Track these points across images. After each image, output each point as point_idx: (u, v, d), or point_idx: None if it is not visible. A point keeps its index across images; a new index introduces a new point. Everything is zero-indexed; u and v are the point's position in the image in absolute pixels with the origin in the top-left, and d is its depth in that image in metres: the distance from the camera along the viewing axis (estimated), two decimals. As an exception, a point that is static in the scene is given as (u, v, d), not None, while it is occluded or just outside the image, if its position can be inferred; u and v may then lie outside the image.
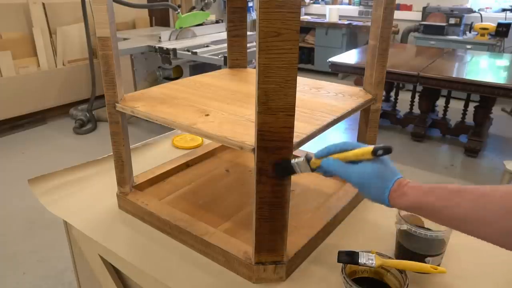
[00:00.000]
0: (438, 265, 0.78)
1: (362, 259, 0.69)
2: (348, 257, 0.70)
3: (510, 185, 0.53)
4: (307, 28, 5.71)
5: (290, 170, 0.68)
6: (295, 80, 0.63)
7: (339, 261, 0.69)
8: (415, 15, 5.09)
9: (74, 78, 3.97)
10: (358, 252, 0.71)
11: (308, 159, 0.66)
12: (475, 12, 4.71)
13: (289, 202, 0.71)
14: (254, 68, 0.65)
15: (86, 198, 1.05)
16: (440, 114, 3.60)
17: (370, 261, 0.69)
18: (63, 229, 1.05)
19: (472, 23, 4.64)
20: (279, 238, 0.73)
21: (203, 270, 0.80)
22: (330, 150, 0.66)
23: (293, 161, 0.67)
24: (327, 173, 0.68)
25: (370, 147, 0.61)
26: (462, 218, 0.54)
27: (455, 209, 0.55)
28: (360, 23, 5.39)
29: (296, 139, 0.69)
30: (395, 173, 0.63)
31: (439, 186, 0.58)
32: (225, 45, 1.69)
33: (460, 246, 0.83)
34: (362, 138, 0.99)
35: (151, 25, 4.68)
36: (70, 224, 0.97)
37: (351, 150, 0.65)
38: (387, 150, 0.60)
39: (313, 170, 0.67)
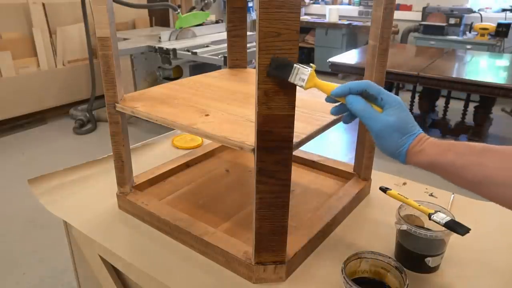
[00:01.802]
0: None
1: (293, 76, 0.61)
2: (279, 71, 0.61)
3: None
4: (307, 28, 5.71)
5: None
6: (295, 80, 0.63)
7: (268, 74, 0.60)
8: (415, 15, 5.09)
9: (74, 78, 3.98)
10: (293, 65, 0.61)
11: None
12: (475, 12, 4.71)
13: (289, 202, 0.71)
14: (254, 68, 0.65)
15: (86, 198, 1.05)
16: (440, 114, 3.60)
17: (300, 82, 0.62)
18: (63, 229, 1.05)
19: (472, 23, 4.64)
20: (279, 238, 0.73)
21: (203, 270, 0.80)
22: (352, 88, 0.62)
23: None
24: (346, 109, 0.64)
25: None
26: (487, 179, 0.50)
27: (478, 169, 0.50)
28: (360, 23, 5.39)
29: (296, 139, 0.69)
30: (416, 127, 0.60)
31: (461, 143, 0.54)
32: (225, 45, 1.69)
33: (460, 246, 0.83)
34: (362, 138, 0.99)
35: (151, 25, 4.68)
36: (70, 224, 0.97)
37: (374, 94, 0.61)
38: None
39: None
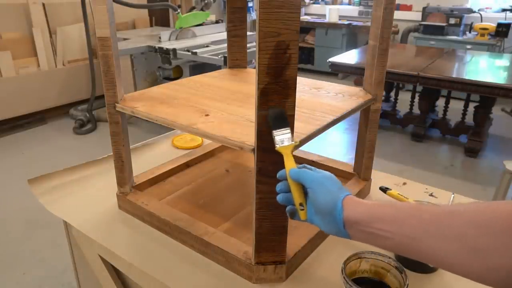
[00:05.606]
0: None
1: (278, 133, 0.63)
2: (275, 120, 0.63)
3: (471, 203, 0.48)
4: (307, 28, 5.71)
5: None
6: (295, 80, 0.63)
7: (267, 117, 0.62)
8: (415, 15, 5.09)
9: (74, 78, 3.97)
10: (287, 126, 0.64)
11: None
12: (475, 12, 4.71)
13: (289, 202, 0.71)
14: (254, 68, 0.65)
15: (86, 198, 1.05)
16: (440, 114, 3.59)
17: (279, 142, 0.63)
18: (63, 229, 1.05)
19: (472, 23, 4.64)
20: (279, 238, 0.73)
21: (203, 270, 0.80)
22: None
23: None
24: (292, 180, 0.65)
25: None
26: (424, 233, 0.48)
27: (417, 222, 0.50)
28: (360, 23, 5.39)
29: (296, 139, 0.69)
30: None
31: (396, 202, 0.55)
32: (225, 45, 1.69)
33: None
34: (362, 138, 0.99)
35: (151, 25, 4.68)
36: (70, 224, 0.97)
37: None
38: None
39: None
